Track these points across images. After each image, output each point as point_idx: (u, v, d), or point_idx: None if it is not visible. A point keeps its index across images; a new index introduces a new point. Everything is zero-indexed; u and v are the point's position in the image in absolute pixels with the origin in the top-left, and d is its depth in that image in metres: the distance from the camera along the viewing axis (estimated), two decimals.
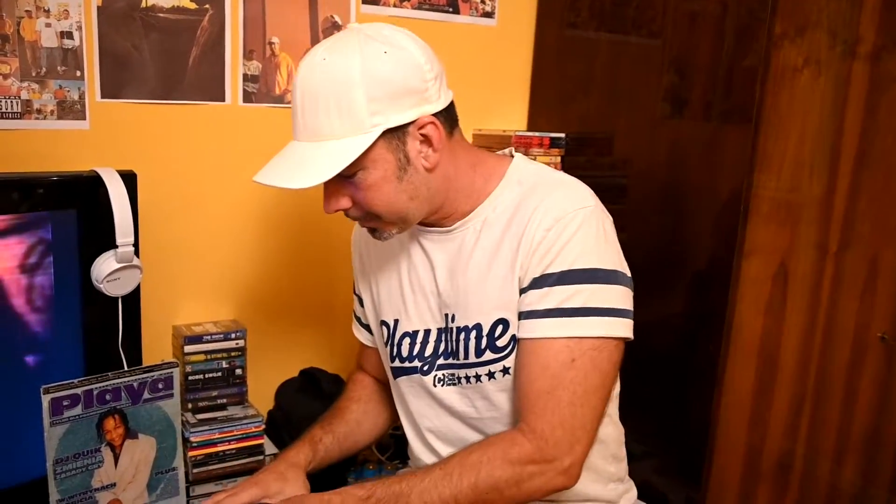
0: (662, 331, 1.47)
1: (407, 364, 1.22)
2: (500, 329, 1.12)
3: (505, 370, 1.13)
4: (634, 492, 1.29)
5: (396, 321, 1.23)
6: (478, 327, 1.13)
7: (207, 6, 1.48)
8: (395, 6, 1.67)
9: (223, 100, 1.54)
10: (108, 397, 1.27)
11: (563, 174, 1.17)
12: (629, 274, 1.12)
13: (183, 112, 1.51)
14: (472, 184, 1.14)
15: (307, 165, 1.02)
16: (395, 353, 1.24)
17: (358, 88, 1.00)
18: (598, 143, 1.42)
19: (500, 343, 1.12)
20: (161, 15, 1.44)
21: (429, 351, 1.20)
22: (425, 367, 1.21)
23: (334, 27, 1.61)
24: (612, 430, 1.22)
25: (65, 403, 1.22)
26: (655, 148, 1.54)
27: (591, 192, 1.13)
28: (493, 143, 1.72)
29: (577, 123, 1.66)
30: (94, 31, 1.39)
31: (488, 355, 1.13)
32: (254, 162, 1.58)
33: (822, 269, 1.36)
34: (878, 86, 1.31)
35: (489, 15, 1.82)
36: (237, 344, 1.54)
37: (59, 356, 1.32)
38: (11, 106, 1.34)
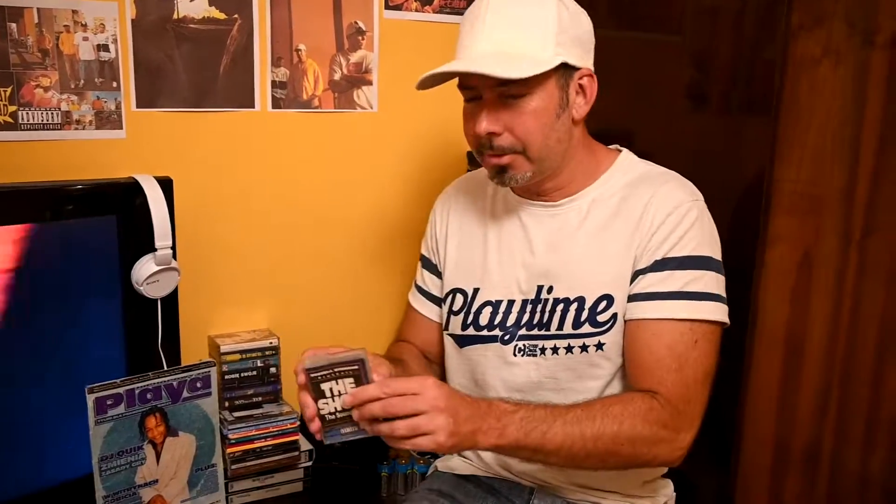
0: None
1: (485, 332, 1.25)
2: (603, 304, 1.16)
3: (599, 345, 1.17)
4: (671, 487, 1.32)
5: (476, 290, 1.27)
6: (580, 300, 1.18)
7: (236, 16, 1.52)
8: (416, 10, 1.71)
9: (253, 106, 1.58)
10: (149, 396, 1.31)
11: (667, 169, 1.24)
12: None
13: (215, 119, 1.55)
14: (588, 162, 1.23)
15: (502, 65, 1.07)
16: (469, 321, 1.27)
17: (553, 19, 1.10)
18: (618, 139, 1.44)
19: (601, 318, 1.16)
20: (192, 26, 1.49)
21: (511, 321, 1.23)
22: (506, 337, 1.23)
23: (358, 33, 1.65)
24: None
25: (108, 403, 1.26)
26: (676, 143, 1.56)
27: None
28: None
29: (596, 120, 1.68)
30: (129, 44, 1.43)
31: (586, 328, 1.17)
32: (283, 166, 1.63)
33: (846, 258, 1.37)
34: None
35: None
36: (270, 343, 1.57)
37: (102, 357, 1.37)
38: (52, 117, 1.39)
